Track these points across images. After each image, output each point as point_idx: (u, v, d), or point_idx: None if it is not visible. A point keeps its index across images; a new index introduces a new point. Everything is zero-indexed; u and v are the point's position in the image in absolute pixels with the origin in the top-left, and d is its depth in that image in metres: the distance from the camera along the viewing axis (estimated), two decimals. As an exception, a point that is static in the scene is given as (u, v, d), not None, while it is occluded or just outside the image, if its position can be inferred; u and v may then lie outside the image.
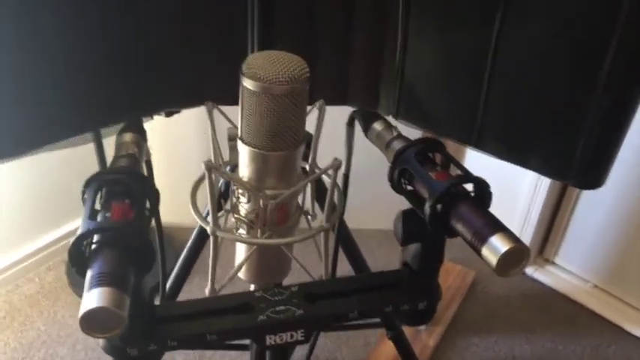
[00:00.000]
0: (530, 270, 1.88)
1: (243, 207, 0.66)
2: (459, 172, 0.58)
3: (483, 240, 0.48)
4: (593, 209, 1.72)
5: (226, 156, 0.71)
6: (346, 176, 0.78)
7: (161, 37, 0.71)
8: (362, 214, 1.60)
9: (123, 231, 0.47)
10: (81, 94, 0.67)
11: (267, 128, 0.58)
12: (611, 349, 1.64)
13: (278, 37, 0.74)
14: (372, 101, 0.79)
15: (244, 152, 0.62)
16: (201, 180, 0.69)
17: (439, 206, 0.53)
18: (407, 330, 1.54)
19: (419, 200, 0.56)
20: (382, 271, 0.66)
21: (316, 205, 0.74)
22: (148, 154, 0.68)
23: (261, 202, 0.64)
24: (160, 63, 0.72)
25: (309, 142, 0.69)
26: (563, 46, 0.59)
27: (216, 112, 0.70)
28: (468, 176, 0.54)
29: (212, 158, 0.67)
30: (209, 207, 0.62)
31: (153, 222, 0.74)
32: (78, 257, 0.46)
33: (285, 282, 0.69)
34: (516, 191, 1.79)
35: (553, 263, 1.89)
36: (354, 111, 0.75)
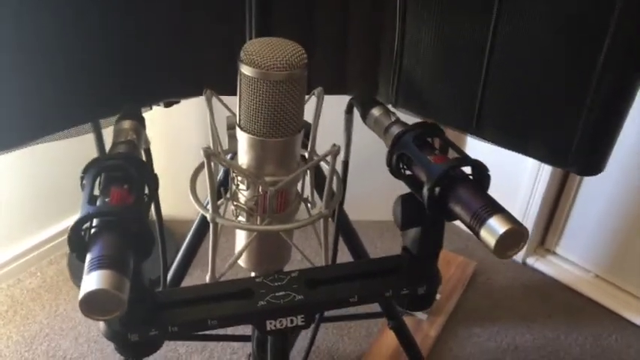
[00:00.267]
0: (531, 260, 1.88)
1: (243, 194, 0.67)
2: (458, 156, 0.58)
3: (482, 222, 0.48)
4: (594, 199, 1.72)
5: (226, 145, 0.72)
6: (345, 163, 0.78)
7: (160, 27, 0.71)
8: (364, 205, 1.61)
9: (122, 215, 0.47)
10: (80, 86, 0.67)
11: (266, 115, 0.59)
12: (613, 337, 1.64)
13: (276, 26, 0.74)
14: (370, 90, 0.79)
15: (243, 139, 0.62)
16: (200, 168, 0.69)
17: (437, 189, 0.53)
18: (408, 320, 1.54)
19: (417, 184, 0.56)
20: (382, 257, 0.66)
21: (316, 195, 0.74)
22: (147, 142, 0.68)
23: (260, 188, 0.64)
24: (158, 53, 0.73)
25: (308, 130, 0.70)
26: (562, 32, 0.59)
27: (215, 101, 0.70)
28: (466, 159, 0.55)
29: (211, 146, 0.68)
30: (208, 194, 0.62)
31: (153, 212, 0.74)
32: (77, 242, 0.46)
33: (287, 270, 0.70)
34: (517, 181, 1.79)
35: (554, 253, 1.89)
36: (352, 97, 0.75)
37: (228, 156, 0.74)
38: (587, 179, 1.71)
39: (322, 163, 0.72)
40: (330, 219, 0.68)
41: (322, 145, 0.64)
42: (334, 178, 0.66)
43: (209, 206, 0.63)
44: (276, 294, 0.60)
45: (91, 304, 0.43)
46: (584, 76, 0.59)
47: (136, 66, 0.72)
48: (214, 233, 0.64)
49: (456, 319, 1.67)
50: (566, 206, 1.79)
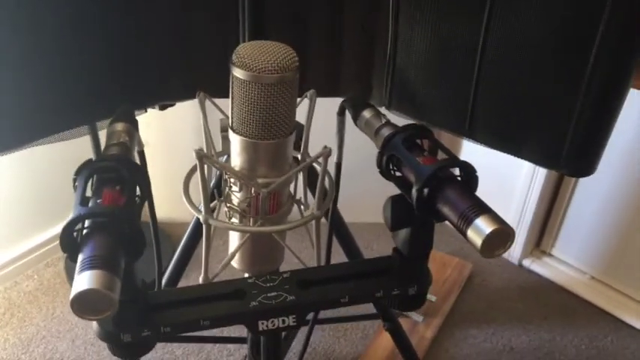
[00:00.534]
0: (527, 262, 1.89)
1: (236, 196, 0.67)
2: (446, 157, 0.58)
3: (469, 222, 0.49)
4: (590, 201, 1.73)
5: (220, 147, 0.72)
6: (338, 165, 0.79)
7: (156, 31, 0.72)
8: (360, 207, 1.61)
9: (113, 216, 0.48)
10: (79, 87, 0.68)
11: (258, 117, 0.59)
12: (608, 339, 1.64)
13: (269, 29, 0.75)
14: (364, 92, 0.80)
15: (235, 141, 0.62)
16: (194, 170, 0.70)
17: (426, 190, 0.53)
18: (404, 322, 1.55)
19: (407, 186, 0.57)
20: (373, 258, 0.67)
21: (310, 197, 0.75)
22: (141, 145, 0.69)
23: (252, 190, 0.65)
24: (157, 54, 0.73)
25: (300, 132, 0.70)
26: (553, 34, 0.59)
27: (209, 104, 0.71)
28: (454, 160, 0.55)
29: (204, 148, 0.68)
30: (201, 196, 0.63)
31: (148, 215, 0.75)
32: (69, 243, 0.47)
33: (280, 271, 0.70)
34: (512, 183, 1.80)
35: (550, 255, 1.90)
36: (344, 100, 0.75)
37: (223, 158, 0.75)
38: (582, 181, 1.72)
39: (317, 166, 0.73)
40: (325, 220, 0.68)
41: (316, 148, 0.64)
42: (326, 179, 0.67)
43: (202, 207, 0.64)
44: (268, 294, 0.61)
45: (83, 304, 0.43)
46: (574, 77, 0.59)
47: (135, 67, 0.72)
48: (207, 235, 0.65)
49: (452, 320, 1.67)
50: (562, 208, 1.79)
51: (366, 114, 0.69)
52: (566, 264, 1.86)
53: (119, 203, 0.50)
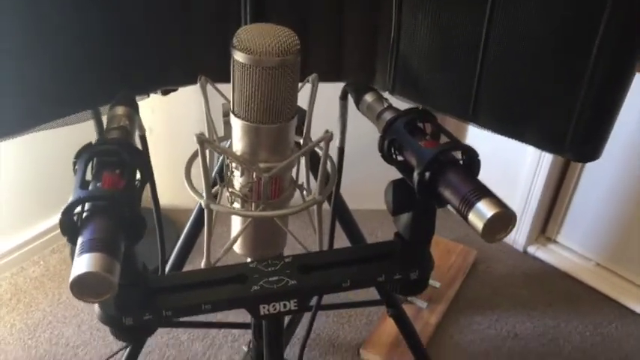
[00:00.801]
0: (532, 249, 1.88)
1: (238, 181, 0.67)
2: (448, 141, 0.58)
3: (470, 206, 0.48)
4: (595, 188, 1.72)
5: (222, 133, 0.72)
6: (341, 150, 0.79)
7: (158, 14, 0.71)
8: (364, 193, 1.61)
9: (113, 199, 0.47)
10: (79, 74, 0.68)
11: (259, 101, 0.59)
12: (613, 325, 1.64)
13: (270, 13, 0.74)
14: (367, 77, 0.79)
15: (237, 126, 0.62)
16: (195, 155, 0.70)
17: (427, 174, 0.53)
18: (409, 308, 1.55)
19: (409, 170, 0.57)
20: (375, 243, 0.67)
21: (313, 183, 0.74)
22: (142, 129, 0.68)
23: (254, 175, 0.64)
24: (155, 40, 0.73)
25: (303, 117, 0.70)
26: (557, 17, 0.59)
27: (211, 89, 0.70)
28: (456, 144, 0.55)
29: (206, 133, 0.68)
30: (202, 181, 0.63)
31: (150, 201, 0.75)
32: (69, 226, 0.47)
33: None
34: (518, 170, 1.79)
35: (555, 242, 1.89)
36: (346, 84, 0.75)
37: (227, 143, 0.74)
38: (588, 167, 1.71)
39: (318, 150, 0.73)
40: (328, 205, 0.68)
41: (319, 133, 0.64)
42: (328, 164, 0.66)
43: (204, 192, 0.63)
44: (270, 279, 0.61)
45: (82, 287, 0.43)
46: (579, 61, 0.59)
47: (133, 52, 0.72)
48: (209, 219, 0.65)
49: (456, 307, 1.68)
50: (567, 195, 1.79)
51: (368, 98, 0.69)
52: (571, 250, 1.85)
53: (119, 187, 0.50)
